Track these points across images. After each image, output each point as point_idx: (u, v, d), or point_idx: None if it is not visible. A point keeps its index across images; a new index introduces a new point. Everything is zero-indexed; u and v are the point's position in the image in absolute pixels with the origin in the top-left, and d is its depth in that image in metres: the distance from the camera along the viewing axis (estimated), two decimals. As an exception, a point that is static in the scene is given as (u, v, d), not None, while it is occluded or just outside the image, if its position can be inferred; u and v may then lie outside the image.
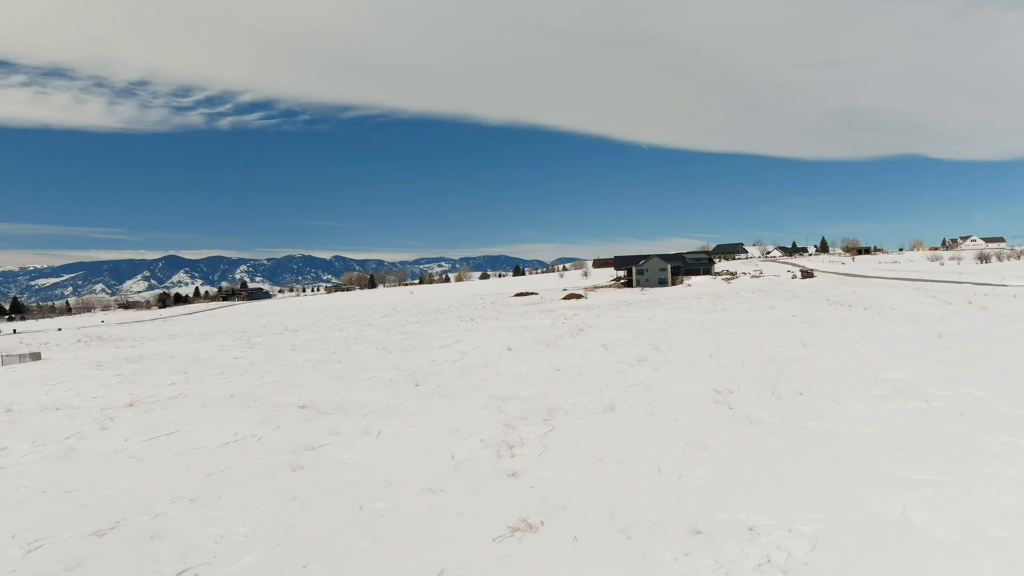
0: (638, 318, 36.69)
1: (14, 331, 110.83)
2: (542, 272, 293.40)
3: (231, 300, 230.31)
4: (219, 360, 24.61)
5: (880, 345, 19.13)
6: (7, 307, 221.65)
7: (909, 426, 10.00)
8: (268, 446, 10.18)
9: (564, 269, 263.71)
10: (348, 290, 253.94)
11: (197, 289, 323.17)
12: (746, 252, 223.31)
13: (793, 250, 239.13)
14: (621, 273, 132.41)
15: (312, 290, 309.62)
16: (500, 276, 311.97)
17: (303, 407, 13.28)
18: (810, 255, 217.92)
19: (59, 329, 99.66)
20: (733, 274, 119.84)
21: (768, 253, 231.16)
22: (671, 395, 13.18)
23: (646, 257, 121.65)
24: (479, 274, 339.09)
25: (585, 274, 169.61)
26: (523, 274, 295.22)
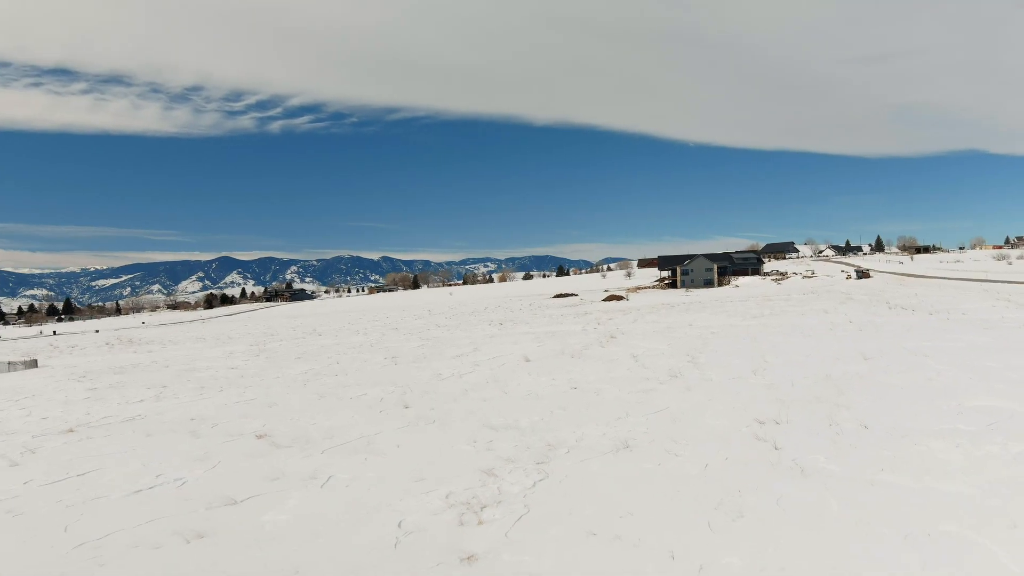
0: (677, 323, 33.99)
1: (54, 332, 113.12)
2: (586, 272, 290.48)
3: (274, 301, 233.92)
4: (212, 371, 22.93)
5: (956, 359, 16.24)
6: (60, 307, 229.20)
7: (1020, 482, 7.43)
8: (183, 497, 8.14)
9: (608, 269, 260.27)
10: (391, 291, 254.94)
11: (244, 290, 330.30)
12: (797, 251, 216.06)
13: (847, 249, 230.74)
14: (665, 273, 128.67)
15: (356, 291, 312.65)
16: (544, 276, 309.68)
17: (261, 436, 11.26)
18: (865, 254, 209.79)
19: (96, 331, 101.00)
20: (783, 274, 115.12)
21: (820, 252, 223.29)
22: (703, 426, 10.75)
23: (691, 257, 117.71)
24: (522, 275, 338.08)
25: (628, 274, 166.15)
26: (567, 274, 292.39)
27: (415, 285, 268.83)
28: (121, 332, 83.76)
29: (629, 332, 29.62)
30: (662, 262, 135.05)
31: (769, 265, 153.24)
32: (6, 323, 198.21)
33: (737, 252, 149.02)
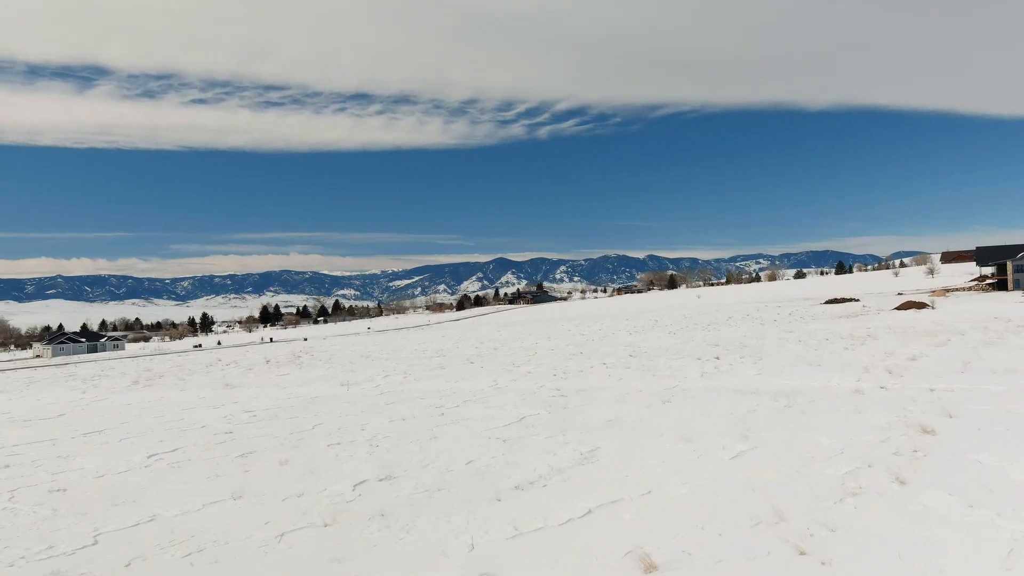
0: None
1: (271, 339, 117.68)
2: (873, 269, 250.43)
3: (516, 303, 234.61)
4: (101, 479, 12.55)
5: None
6: (329, 308, 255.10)
7: None
8: None
9: (901, 265, 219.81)
10: (638, 292, 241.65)
11: (497, 291, 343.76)
12: None
13: None
14: (987, 271, 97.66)
15: (614, 291, 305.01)
16: (822, 274, 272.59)
17: None
18: None
19: (304, 339, 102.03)
20: None
21: None
22: None
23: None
24: (793, 272, 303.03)
25: (930, 271, 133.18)
26: (848, 271, 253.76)
27: (672, 285, 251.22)
28: (324, 341, 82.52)
29: (964, 410, 13.71)
30: (980, 254, 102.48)
31: None
32: (274, 324, 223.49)
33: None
